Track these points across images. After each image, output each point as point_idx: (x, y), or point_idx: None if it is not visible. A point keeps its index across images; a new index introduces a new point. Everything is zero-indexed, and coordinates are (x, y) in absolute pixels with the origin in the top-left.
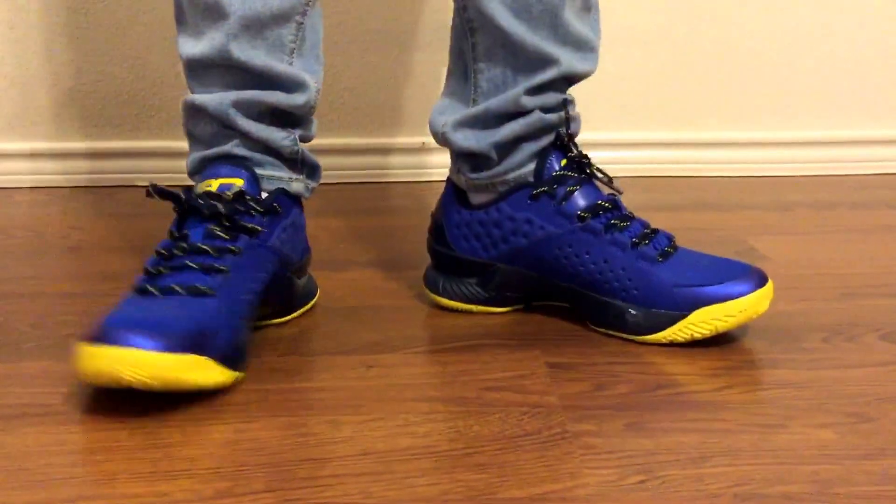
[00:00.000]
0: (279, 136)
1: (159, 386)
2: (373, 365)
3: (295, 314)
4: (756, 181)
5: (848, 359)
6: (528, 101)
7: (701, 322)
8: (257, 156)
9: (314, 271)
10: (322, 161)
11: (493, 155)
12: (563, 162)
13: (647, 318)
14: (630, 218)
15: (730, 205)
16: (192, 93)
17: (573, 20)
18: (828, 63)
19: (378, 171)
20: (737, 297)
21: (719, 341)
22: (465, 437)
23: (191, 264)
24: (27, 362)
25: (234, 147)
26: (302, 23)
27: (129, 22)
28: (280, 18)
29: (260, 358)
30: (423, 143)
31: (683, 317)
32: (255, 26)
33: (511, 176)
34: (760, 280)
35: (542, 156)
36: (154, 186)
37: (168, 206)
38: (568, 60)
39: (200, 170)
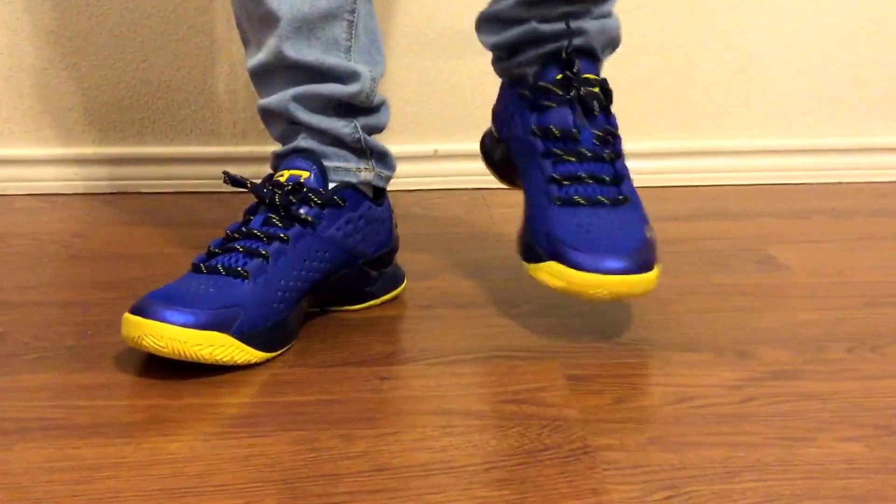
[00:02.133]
0: (340, 125)
1: (174, 355)
2: (386, 377)
3: (372, 302)
4: (772, 189)
5: (873, 370)
6: (523, 12)
7: (553, 274)
8: (324, 147)
9: None
10: None
11: (501, 53)
12: (559, 76)
13: (527, 242)
14: (582, 156)
15: (746, 213)
16: (259, 98)
17: None
18: (844, 70)
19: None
20: (591, 272)
21: (741, 352)
22: (483, 452)
23: (238, 247)
24: (28, 375)
25: (301, 140)
26: (353, 21)
27: (134, 26)
28: (329, 17)
29: (271, 369)
30: (436, 150)
31: (544, 259)
32: (306, 27)
33: (516, 71)
34: (634, 265)
35: (543, 62)
36: (227, 174)
37: (170, 215)
38: None
39: (276, 165)
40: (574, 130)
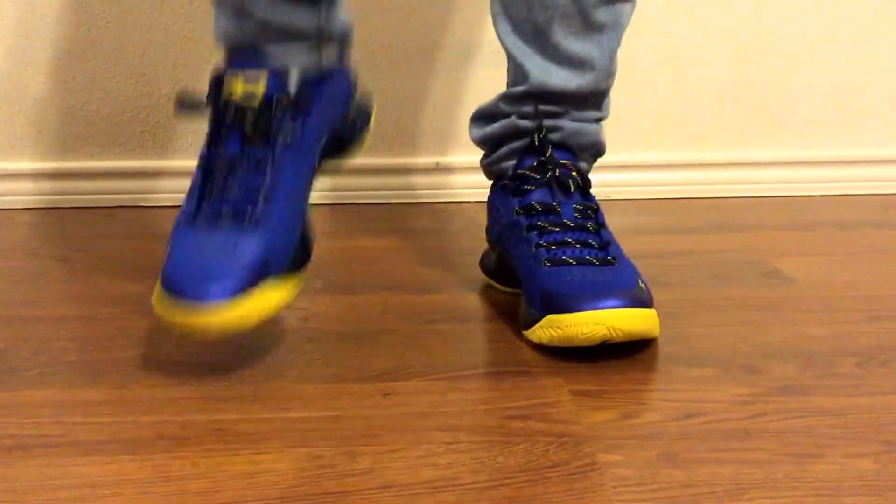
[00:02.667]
0: (303, 15)
1: (237, 329)
2: (390, 392)
3: (361, 141)
4: (777, 201)
5: (883, 385)
6: (506, 107)
7: (549, 326)
8: (279, 47)
9: (327, 294)
10: (334, 182)
11: (486, 148)
12: (535, 163)
13: (524, 314)
14: (566, 227)
15: (751, 226)
16: None
17: (566, 40)
18: (848, 81)
19: (392, 192)
20: (584, 310)
21: (749, 367)
22: (490, 469)
23: (231, 186)
24: (29, 391)
25: (256, 38)
26: None
27: (133, 39)
28: None
29: (273, 385)
30: (437, 163)
31: (540, 318)
32: None
33: (496, 167)
34: (630, 302)
35: (520, 154)
36: (183, 95)
37: (169, 228)
38: (542, 75)
39: (228, 59)
40: (554, 204)
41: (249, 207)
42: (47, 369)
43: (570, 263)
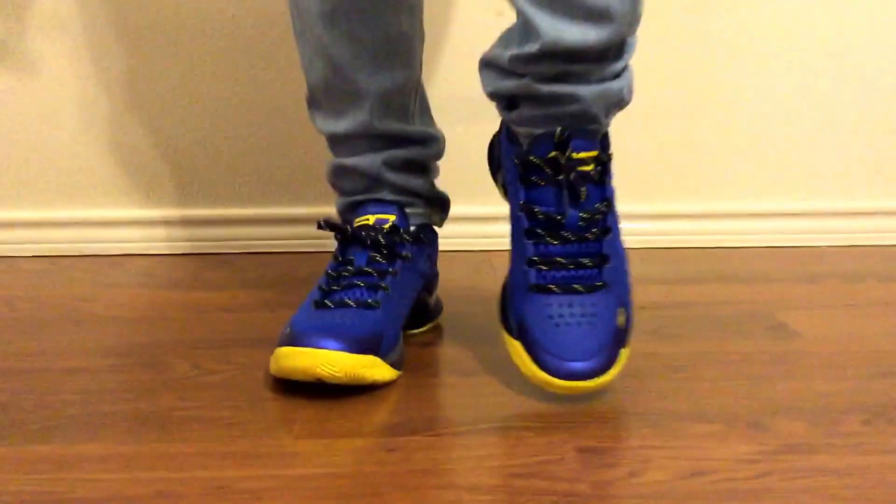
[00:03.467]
0: (418, 183)
1: (346, 379)
2: (394, 448)
3: (428, 326)
4: (781, 252)
5: (890, 443)
6: (519, 66)
7: (517, 354)
8: (402, 198)
9: None
10: None
11: (499, 102)
12: (551, 154)
13: (503, 311)
14: (565, 239)
15: (756, 277)
16: (337, 157)
17: None
18: (853, 133)
19: None
20: (552, 374)
21: (755, 423)
22: None
23: (358, 283)
24: (31, 445)
25: (384, 195)
26: (418, 90)
27: (142, 92)
28: (403, 91)
29: (275, 440)
30: None
31: (512, 334)
32: (387, 100)
33: (512, 127)
34: (597, 366)
35: (538, 132)
36: (325, 220)
37: (174, 277)
38: (555, 33)
39: (354, 209)
40: (558, 217)
41: (371, 298)
42: (49, 423)
43: (555, 292)
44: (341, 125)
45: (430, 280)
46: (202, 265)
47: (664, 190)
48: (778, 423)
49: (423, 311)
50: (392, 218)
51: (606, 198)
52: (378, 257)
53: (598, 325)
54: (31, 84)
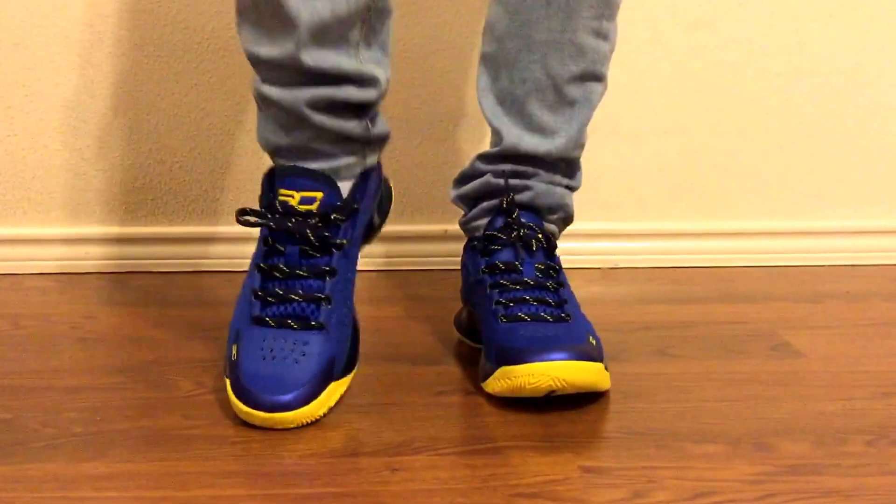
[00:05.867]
0: (352, 125)
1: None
2: (398, 468)
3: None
4: (784, 271)
5: (894, 464)
6: (482, 166)
7: (501, 377)
8: (332, 147)
9: None
10: None
11: (463, 207)
12: (503, 224)
13: (483, 368)
14: (526, 285)
15: (759, 296)
16: (263, 82)
17: (541, 111)
18: (856, 151)
19: (400, 259)
20: (532, 362)
21: (759, 444)
22: None
23: (296, 297)
24: (35, 464)
25: (309, 142)
26: (367, 20)
27: (147, 108)
28: (346, 22)
29: (279, 459)
30: (445, 230)
31: (494, 370)
32: (323, 32)
33: (471, 226)
34: (576, 355)
35: (491, 216)
36: (243, 213)
37: (180, 295)
38: (514, 139)
39: (273, 183)
40: (516, 263)
41: (312, 312)
42: (54, 441)
43: (525, 320)
44: (263, 49)
45: (375, 209)
46: (207, 283)
47: (667, 209)
48: (782, 443)
49: (370, 227)
50: (319, 195)
51: (557, 265)
52: (310, 251)
53: (574, 335)
54: (37, 101)
